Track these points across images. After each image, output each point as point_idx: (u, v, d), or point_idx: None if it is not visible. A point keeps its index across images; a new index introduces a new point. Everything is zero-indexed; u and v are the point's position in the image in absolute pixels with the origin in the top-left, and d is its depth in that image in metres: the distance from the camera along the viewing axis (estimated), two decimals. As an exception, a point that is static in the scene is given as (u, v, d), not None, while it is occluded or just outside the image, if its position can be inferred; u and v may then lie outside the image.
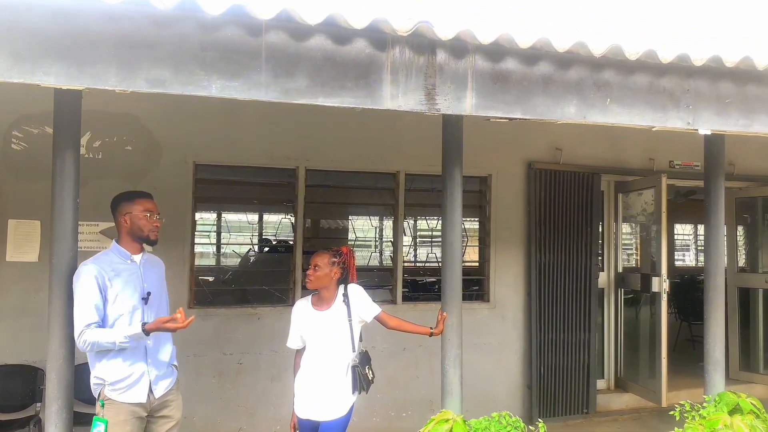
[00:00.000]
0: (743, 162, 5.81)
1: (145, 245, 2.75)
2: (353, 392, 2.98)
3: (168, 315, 2.84)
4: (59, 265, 2.45)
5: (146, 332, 2.51)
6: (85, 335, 2.45)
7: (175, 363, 2.84)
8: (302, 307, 3.06)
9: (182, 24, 2.18)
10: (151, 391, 2.65)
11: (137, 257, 2.70)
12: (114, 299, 2.55)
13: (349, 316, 2.98)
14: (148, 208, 2.70)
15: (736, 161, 5.72)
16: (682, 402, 3.24)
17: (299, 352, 3.08)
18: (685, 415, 3.18)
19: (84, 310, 2.47)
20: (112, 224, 2.72)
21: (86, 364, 2.64)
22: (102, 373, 2.57)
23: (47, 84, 2.09)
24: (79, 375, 2.65)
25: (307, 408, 2.96)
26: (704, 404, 3.28)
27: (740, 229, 6.63)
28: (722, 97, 2.92)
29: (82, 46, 2.09)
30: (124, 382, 2.57)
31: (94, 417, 2.56)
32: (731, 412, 3.10)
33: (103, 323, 2.53)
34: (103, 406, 2.55)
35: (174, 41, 2.17)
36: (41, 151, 3.82)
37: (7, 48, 2.03)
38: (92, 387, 2.62)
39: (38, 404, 3.82)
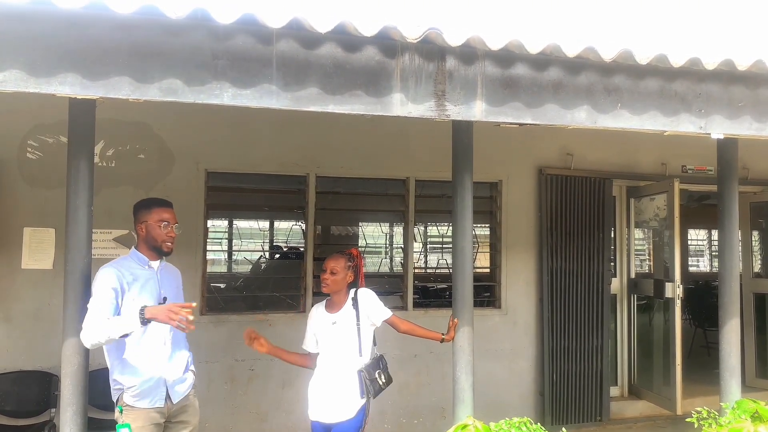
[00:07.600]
0: (758, 166, 5.74)
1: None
2: (361, 396, 2.98)
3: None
4: (73, 273, 2.46)
5: (145, 320, 2.37)
6: (84, 330, 2.38)
7: (192, 368, 2.85)
8: (317, 310, 3.13)
9: (194, 33, 2.21)
10: (168, 396, 2.66)
11: (155, 264, 2.72)
12: (130, 304, 2.56)
13: (357, 320, 2.99)
14: (164, 218, 2.69)
15: (751, 165, 5.67)
16: (698, 408, 3.19)
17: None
18: (702, 422, 3.13)
19: (93, 310, 2.42)
20: (125, 232, 2.74)
21: (101, 370, 2.66)
22: (121, 378, 2.58)
23: (62, 94, 2.12)
24: (93, 381, 2.66)
25: (317, 410, 2.99)
26: (722, 411, 3.22)
27: (755, 233, 6.55)
28: (735, 101, 2.89)
29: (95, 56, 2.12)
30: (141, 387, 2.59)
31: (117, 425, 2.56)
32: (751, 420, 3.05)
33: None
34: (121, 412, 2.57)
35: (186, 50, 2.20)
36: (56, 159, 3.88)
37: (23, 58, 2.07)
38: (112, 392, 2.64)
39: (53, 410, 3.85)
